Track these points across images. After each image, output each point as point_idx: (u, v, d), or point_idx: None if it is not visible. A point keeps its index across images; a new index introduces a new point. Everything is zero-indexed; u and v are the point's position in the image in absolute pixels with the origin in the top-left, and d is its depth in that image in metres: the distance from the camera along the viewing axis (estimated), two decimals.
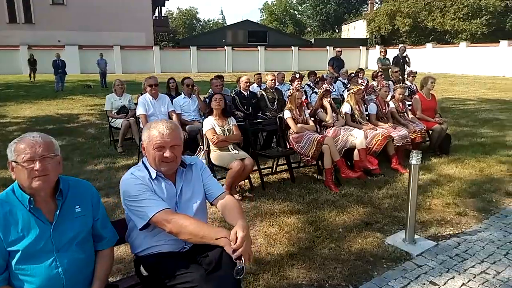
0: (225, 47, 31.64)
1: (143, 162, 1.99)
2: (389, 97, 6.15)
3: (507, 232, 3.43)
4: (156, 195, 1.87)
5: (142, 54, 29.74)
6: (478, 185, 4.63)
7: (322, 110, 5.22)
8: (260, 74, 8.48)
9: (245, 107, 6.13)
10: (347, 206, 4.04)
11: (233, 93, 6.50)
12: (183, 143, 2.01)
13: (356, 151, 4.91)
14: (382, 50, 11.38)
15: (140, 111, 5.11)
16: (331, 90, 8.30)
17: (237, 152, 4.21)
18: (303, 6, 66.53)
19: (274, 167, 5.13)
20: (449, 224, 3.64)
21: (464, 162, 5.59)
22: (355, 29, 45.01)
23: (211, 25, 71.82)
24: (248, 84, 6.15)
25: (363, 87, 5.78)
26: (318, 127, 5.28)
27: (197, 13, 77.07)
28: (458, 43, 27.10)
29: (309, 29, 64.76)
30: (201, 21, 75.73)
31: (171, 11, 79.70)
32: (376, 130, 5.35)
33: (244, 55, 32.02)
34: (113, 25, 29.91)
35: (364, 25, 38.64)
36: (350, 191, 4.47)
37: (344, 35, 49.78)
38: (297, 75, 6.73)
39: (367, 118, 5.77)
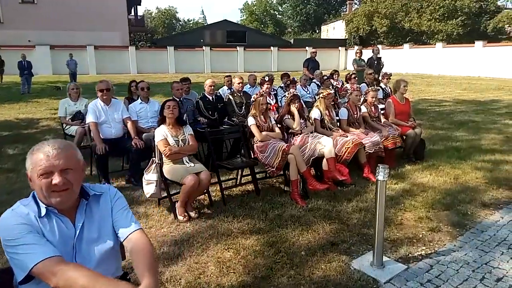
0: (203, 47, 31.11)
1: (33, 195, 1.57)
2: (363, 99, 5.86)
3: (483, 252, 3.15)
4: (43, 238, 1.46)
5: (117, 54, 28.89)
6: (452, 195, 4.37)
7: (289, 117, 4.88)
8: (230, 76, 8.09)
9: (210, 112, 5.73)
10: (312, 222, 3.69)
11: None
12: (82, 166, 1.59)
13: (324, 161, 4.58)
14: (358, 51, 11.18)
15: (89, 118, 4.63)
16: (302, 93, 8.01)
17: (192, 165, 3.80)
18: (283, 6, 66.43)
19: (239, 178, 4.75)
20: (421, 242, 3.34)
21: (438, 169, 5.35)
22: (334, 29, 45.11)
23: (191, 25, 70.92)
24: (212, 87, 5.75)
25: (332, 91, 5.45)
26: (286, 134, 4.93)
27: (177, 12, 75.79)
28: (435, 44, 27.38)
29: (289, 29, 64.70)
30: (180, 21, 74.74)
31: (149, 10, 78.43)
32: (347, 136, 5.05)
33: (223, 55, 31.56)
34: (86, 25, 28.96)
35: (343, 26, 38.73)
36: (317, 204, 4.13)
37: (324, 35, 49.85)
38: (266, 78, 6.36)
39: (338, 123, 5.48)
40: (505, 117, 9.34)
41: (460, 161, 5.71)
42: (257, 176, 4.73)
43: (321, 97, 5.22)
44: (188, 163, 3.81)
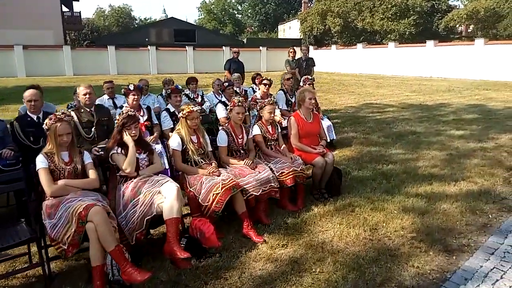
0: (149, 47, 28.88)
1: None
2: (275, 115, 4.22)
3: None
4: None
5: (50, 55, 26.06)
6: (358, 270, 2.85)
7: (120, 151, 3.17)
8: (112, 82, 6.30)
9: (32, 138, 3.92)
10: None
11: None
12: None
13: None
14: (291, 50, 9.56)
15: None
16: (215, 102, 6.31)
17: None
18: (242, 5, 64.81)
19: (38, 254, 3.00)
20: None
21: (354, 213, 3.86)
22: (290, 29, 44.00)
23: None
24: (32, 104, 3.93)
25: (198, 108, 3.75)
26: (119, 178, 3.22)
27: (132, 11, 72.00)
28: (387, 44, 26.65)
29: (249, 29, 63.14)
30: (137, 20, 71.23)
31: (102, 8, 74.29)
32: (219, 175, 3.43)
33: (170, 55, 29.44)
34: (13, 22, 26.07)
35: (298, 25, 37.59)
36: None
37: (281, 35, 48.76)
38: (131, 87, 4.61)
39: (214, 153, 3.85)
40: (450, 126, 8.12)
41: (386, 196, 4.26)
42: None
43: (181, 117, 3.56)
44: None
